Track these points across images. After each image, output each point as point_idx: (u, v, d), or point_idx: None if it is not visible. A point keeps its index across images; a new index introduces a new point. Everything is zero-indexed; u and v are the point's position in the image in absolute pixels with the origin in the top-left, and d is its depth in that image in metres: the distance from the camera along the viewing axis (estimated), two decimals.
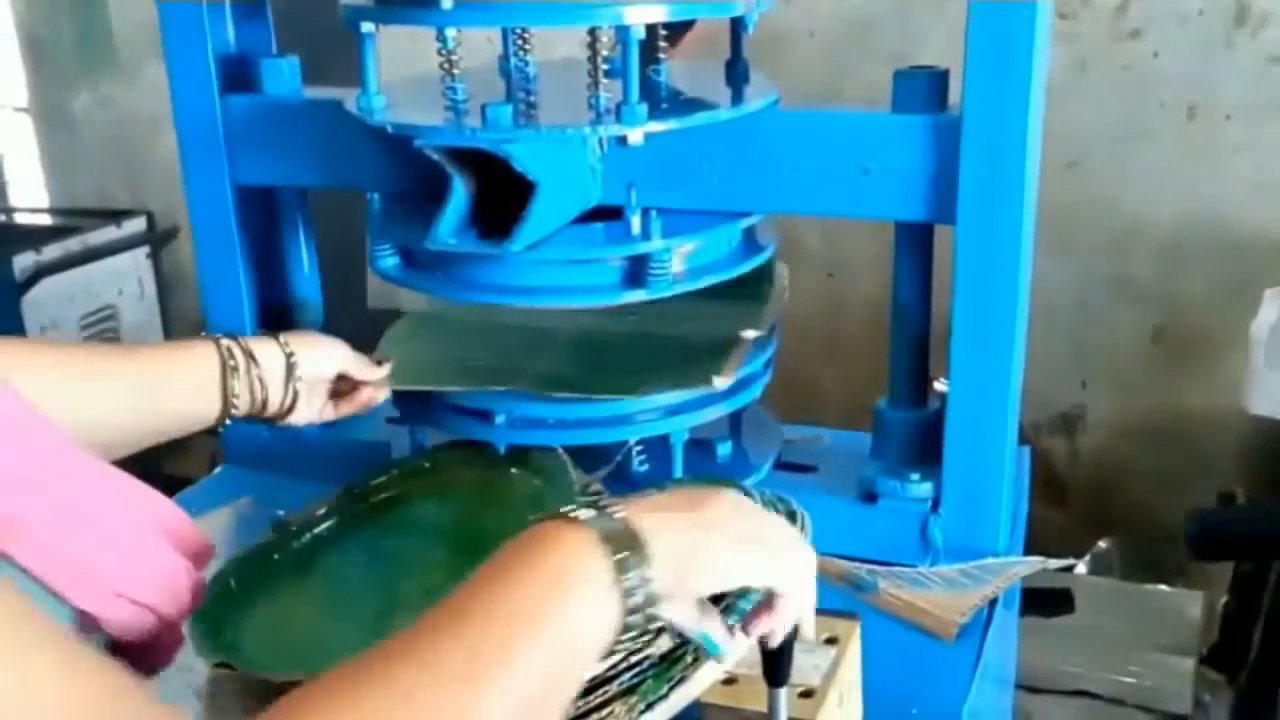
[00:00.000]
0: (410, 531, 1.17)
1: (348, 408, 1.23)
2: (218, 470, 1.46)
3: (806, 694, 0.88)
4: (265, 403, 1.13)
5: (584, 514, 0.71)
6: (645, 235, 1.16)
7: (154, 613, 0.65)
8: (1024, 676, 1.79)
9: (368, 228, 1.25)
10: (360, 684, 0.61)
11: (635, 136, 1.09)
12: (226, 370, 1.10)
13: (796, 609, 0.80)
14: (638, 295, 1.17)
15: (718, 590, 0.76)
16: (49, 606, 0.59)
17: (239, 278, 1.41)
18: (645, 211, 1.18)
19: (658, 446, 1.24)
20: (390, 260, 1.24)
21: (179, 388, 1.08)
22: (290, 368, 1.15)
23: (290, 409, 1.16)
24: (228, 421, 1.11)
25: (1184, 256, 2.41)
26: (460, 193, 1.11)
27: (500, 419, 1.20)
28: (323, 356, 1.19)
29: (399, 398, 1.28)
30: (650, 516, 0.73)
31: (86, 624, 0.61)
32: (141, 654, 0.66)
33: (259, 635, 1.03)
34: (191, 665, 0.97)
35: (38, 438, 0.62)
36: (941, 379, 1.20)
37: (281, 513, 1.18)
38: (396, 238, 1.23)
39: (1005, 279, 1.13)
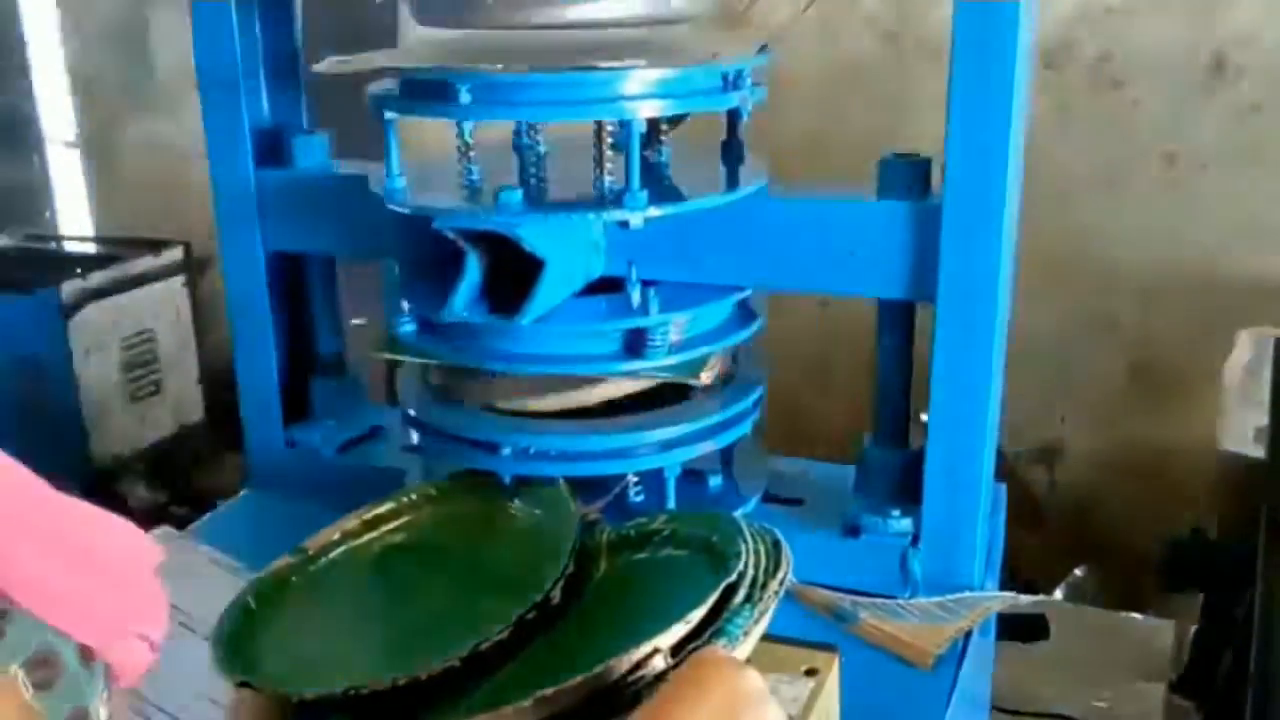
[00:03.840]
0: (417, 558, 1.17)
1: None
2: (240, 495, 1.46)
3: None
4: None
5: None
6: (644, 309, 1.17)
7: (151, 644, 0.64)
8: (1000, 699, 1.77)
9: (385, 296, 1.26)
10: None
11: (636, 220, 1.11)
12: None
13: None
14: (636, 365, 1.17)
15: None
16: (52, 640, 0.58)
17: (269, 335, 1.45)
18: (645, 285, 1.19)
19: (653, 479, 1.24)
20: (408, 328, 1.25)
21: None
22: None
23: None
24: None
25: (1161, 298, 2.40)
26: (474, 269, 1.13)
27: (506, 451, 1.20)
28: None
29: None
30: None
31: (87, 655, 0.60)
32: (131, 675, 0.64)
33: (277, 654, 1.02)
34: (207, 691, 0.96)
35: (16, 479, 0.59)
36: (924, 414, 1.20)
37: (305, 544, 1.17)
38: (414, 306, 1.24)
39: (981, 345, 1.14)
